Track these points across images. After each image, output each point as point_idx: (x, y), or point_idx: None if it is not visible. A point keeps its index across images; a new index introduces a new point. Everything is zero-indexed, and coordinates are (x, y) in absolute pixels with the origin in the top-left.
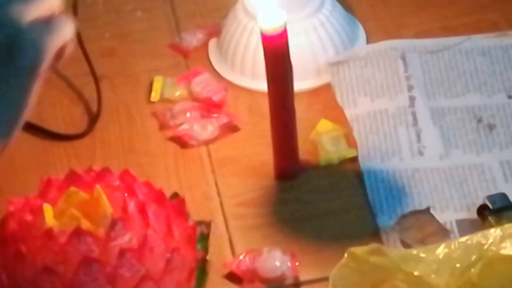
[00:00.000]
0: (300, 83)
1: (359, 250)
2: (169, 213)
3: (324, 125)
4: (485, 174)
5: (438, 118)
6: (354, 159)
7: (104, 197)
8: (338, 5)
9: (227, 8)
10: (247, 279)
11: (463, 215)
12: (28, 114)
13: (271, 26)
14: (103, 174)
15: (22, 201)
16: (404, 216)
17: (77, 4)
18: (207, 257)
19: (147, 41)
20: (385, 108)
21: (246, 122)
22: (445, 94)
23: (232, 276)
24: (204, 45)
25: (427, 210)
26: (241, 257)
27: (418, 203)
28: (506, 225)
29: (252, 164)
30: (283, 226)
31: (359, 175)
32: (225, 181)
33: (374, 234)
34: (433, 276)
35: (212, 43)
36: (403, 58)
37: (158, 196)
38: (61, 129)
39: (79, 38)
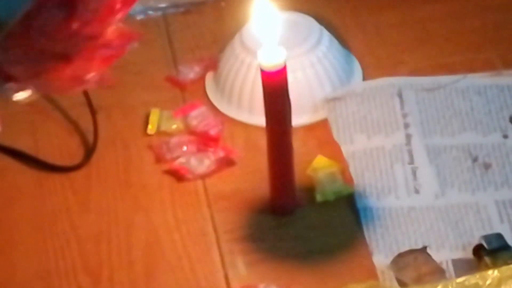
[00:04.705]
0: (297, 119)
1: (357, 287)
2: None
3: (321, 161)
4: (480, 213)
5: (434, 156)
6: (351, 196)
7: None
8: (335, 41)
9: (224, 41)
10: None
11: (459, 254)
12: None
13: (271, 63)
14: None
15: None
16: (400, 255)
17: None
18: None
19: (144, 73)
20: (382, 145)
21: (242, 156)
22: (441, 133)
23: None
24: (201, 79)
25: (423, 249)
26: None
27: (414, 242)
28: (504, 267)
29: (249, 199)
30: (279, 262)
31: (355, 212)
32: (221, 216)
33: (370, 272)
34: None
35: (209, 76)
36: (400, 95)
37: None
38: (57, 160)
39: None
